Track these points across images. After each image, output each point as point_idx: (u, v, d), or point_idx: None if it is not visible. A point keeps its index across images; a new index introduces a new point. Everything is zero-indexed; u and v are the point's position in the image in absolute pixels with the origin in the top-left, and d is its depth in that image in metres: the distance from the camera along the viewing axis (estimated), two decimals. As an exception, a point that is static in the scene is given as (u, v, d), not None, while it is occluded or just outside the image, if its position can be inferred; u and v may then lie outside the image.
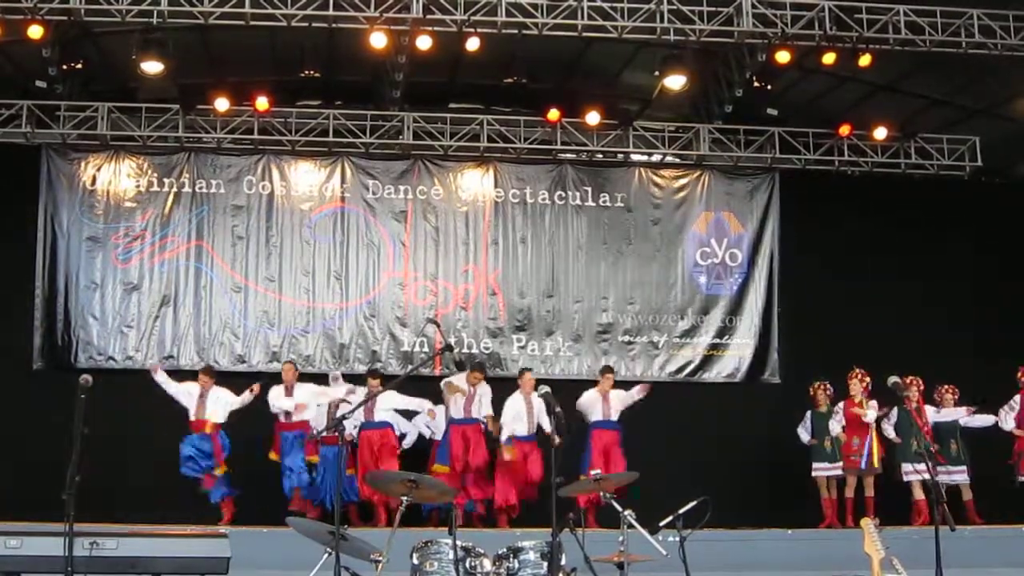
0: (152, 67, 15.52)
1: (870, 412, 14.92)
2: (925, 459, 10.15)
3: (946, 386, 15.52)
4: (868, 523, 7.69)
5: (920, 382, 15.19)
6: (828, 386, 15.51)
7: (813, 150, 18.05)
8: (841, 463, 15.14)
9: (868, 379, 14.94)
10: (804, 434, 15.57)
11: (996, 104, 17.26)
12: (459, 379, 15.02)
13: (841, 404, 15.21)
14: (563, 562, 7.07)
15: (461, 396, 14.78)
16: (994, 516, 14.37)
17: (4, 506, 13.14)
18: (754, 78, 16.47)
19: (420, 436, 15.76)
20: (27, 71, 16.12)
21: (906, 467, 14.86)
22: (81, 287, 16.86)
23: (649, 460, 14.03)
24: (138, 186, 17.22)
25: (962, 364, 16.39)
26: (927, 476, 14.69)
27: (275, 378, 15.62)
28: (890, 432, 15.20)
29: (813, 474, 15.31)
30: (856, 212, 17.89)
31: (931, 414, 15.33)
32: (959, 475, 15.17)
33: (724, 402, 17.47)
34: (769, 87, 16.81)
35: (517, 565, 7.31)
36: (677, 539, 7.60)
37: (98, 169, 17.16)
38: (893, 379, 8.06)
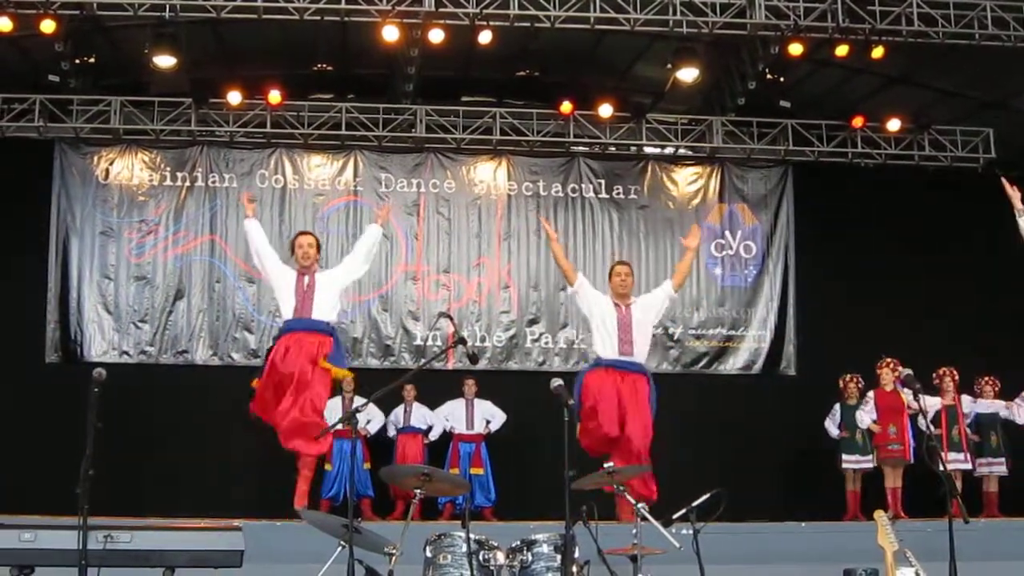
0: (164, 61, 15.52)
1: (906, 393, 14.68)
2: (936, 452, 10.12)
3: (987, 377, 15.46)
4: (882, 516, 7.70)
5: (955, 373, 15.16)
6: (859, 379, 15.44)
7: (826, 142, 18.04)
8: (872, 455, 15.09)
9: (900, 368, 14.81)
10: (832, 427, 15.48)
11: (1010, 96, 17.21)
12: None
13: (871, 394, 15.04)
14: (576, 555, 7.07)
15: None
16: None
17: (18, 499, 13.17)
18: (767, 70, 16.41)
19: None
20: (40, 65, 16.14)
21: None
22: (95, 281, 16.93)
23: (663, 452, 14.01)
24: (151, 180, 17.27)
25: (974, 356, 16.33)
26: (960, 467, 14.87)
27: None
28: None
29: (843, 466, 15.21)
30: (869, 204, 17.86)
31: (967, 404, 15.30)
32: (998, 467, 15.18)
33: (740, 394, 17.47)
34: (782, 79, 16.74)
35: (531, 558, 7.30)
36: (691, 532, 7.59)
37: (111, 163, 17.21)
38: (907, 371, 8.05)
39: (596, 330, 11.62)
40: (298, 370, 10.72)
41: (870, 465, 15.11)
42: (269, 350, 11.22)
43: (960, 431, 15.02)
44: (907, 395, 14.53)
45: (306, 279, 11.11)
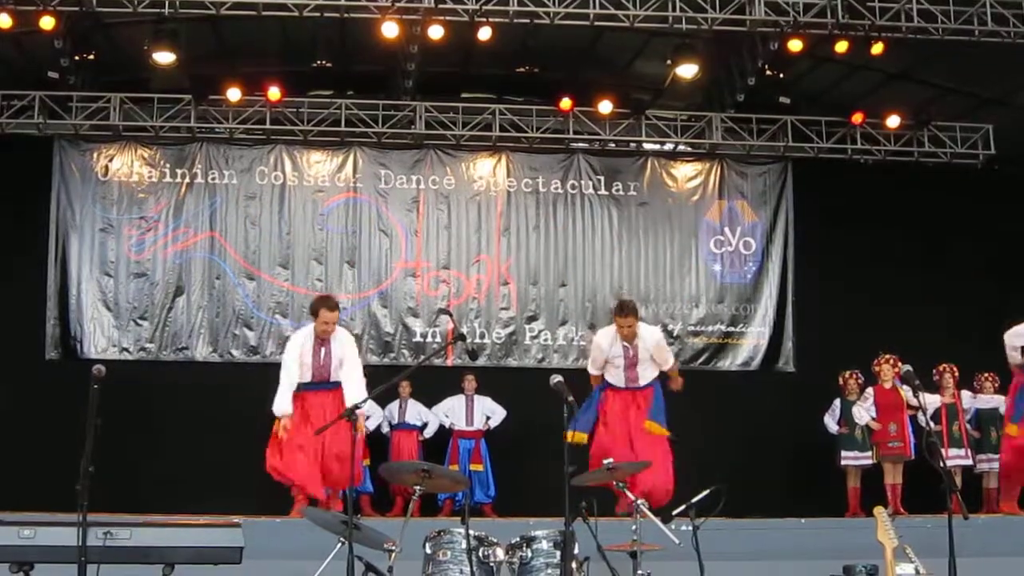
0: (164, 57, 15.51)
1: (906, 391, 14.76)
2: (936, 449, 10.18)
3: (986, 374, 15.48)
4: (881, 512, 7.70)
5: (955, 369, 15.18)
6: (859, 375, 15.46)
7: (826, 138, 18.02)
8: (871, 452, 15.10)
9: (900, 365, 14.81)
10: (831, 423, 15.50)
11: (1010, 92, 17.20)
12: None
13: (870, 391, 15.06)
14: (576, 551, 7.07)
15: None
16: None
17: (18, 496, 13.18)
18: (766, 67, 16.41)
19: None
20: (39, 62, 16.11)
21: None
22: (94, 278, 16.93)
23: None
24: (151, 177, 17.27)
25: (973, 353, 16.33)
26: (961, 463, 14.92)
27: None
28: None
29: (843, 463, 15.26)
30: (869, 200, 17.85)
31: (967, 400, 15.32)
32: (997, 463, 15.20)
33: (738, 391, 17.46)
34: (782, 75, 16.77)
35: (530, 554, 7.31)
36: (690, 528, 7.60)
37: (110, 160, 17.21)
38: (906, 367, 8.06)
39: (608, 368, 11.86)
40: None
41: (869, 462, 15.13)
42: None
43: (960, 427, 15.05)
44: (907, 392, 14.54)
45: (323, 350, 11.38)
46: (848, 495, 15.20)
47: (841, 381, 15.61)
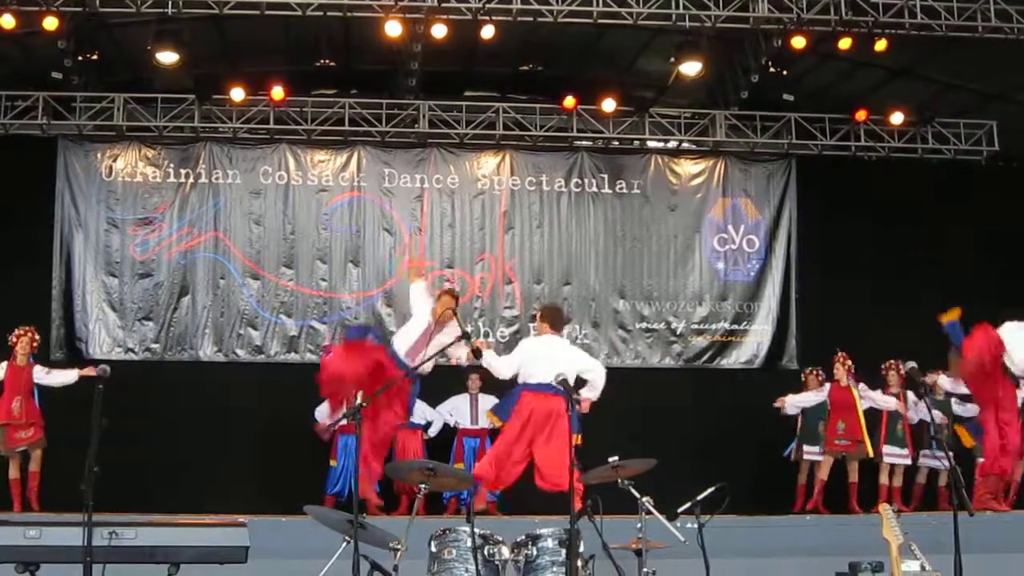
0: (167, 57, 15.54)
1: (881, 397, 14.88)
2: (942, 444, 10.24)
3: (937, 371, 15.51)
4: (887, 508, 7.71)
5: (900, 367, 15.14)
6: (820, 372, 15.56)
7: (829, 135, 18.01)
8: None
9: (850, 362, 14.89)
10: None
11: (1013, 89, 17.20)
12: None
13: (827, 387, 15.13)
14: (581, 549, 7.07)
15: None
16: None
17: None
18: (770, 64, 16.41)
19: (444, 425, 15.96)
20: (43, 62, 16.14)
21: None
22: (99, 278, 16.91)
23: (667, 446, 14.03)
24: (155, 176, 17.25)
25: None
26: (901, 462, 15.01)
27: (289, 369, 15.88)
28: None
29: (805, 456, 15.35)
30: (873, 197, 17.84)
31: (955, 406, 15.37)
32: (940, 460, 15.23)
33: (742, 388, 17.45)
34: (785, 73, 16.77)
35: (535, 552, 7.30)
36: (695, 525, 7.60)
37: (114, 160, 17.20)
38: (911, 364, 8.05)
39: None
40: None
41: (820, 457, 15.22)
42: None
43: (904, 426, 15.06)
44: (859, 390, 14.74)
45: None
46: (798, 491, 15.30)
47: (803, 378, 15.79)
